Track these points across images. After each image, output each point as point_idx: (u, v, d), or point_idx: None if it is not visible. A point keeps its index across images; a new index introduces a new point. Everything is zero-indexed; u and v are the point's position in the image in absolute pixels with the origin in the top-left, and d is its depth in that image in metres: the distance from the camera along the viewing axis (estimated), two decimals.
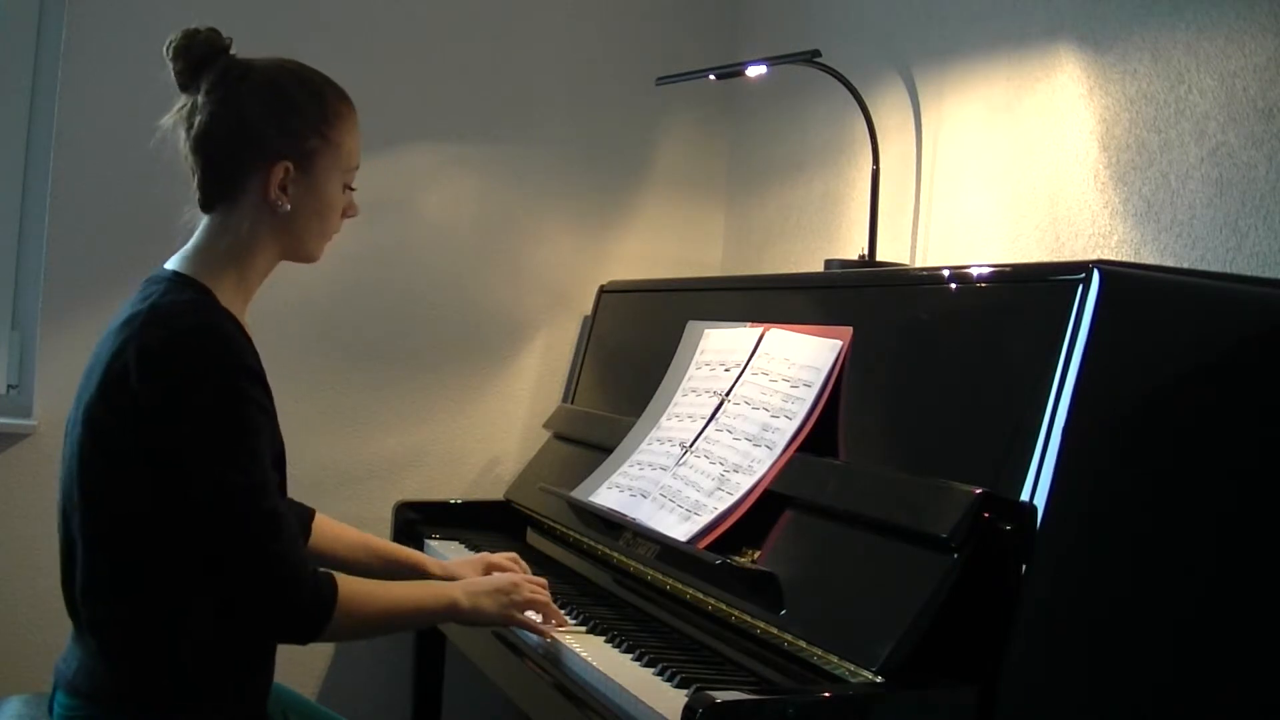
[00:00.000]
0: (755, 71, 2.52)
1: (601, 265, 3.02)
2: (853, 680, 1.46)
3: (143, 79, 2.58)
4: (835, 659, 1.49)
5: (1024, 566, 1.41)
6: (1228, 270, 1.78)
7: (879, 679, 1.41)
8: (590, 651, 1.75)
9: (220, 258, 1.62)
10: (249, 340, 1.58)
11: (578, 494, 2.19)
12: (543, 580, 1.88)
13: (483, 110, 2.91)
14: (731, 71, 2.56)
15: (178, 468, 1.49)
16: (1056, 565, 1.43)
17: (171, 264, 1.63)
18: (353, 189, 1.70)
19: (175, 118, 1.64)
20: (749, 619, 1.67)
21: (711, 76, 2.59)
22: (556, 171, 2.98)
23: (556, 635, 1.82)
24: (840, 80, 2.41)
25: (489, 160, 2.93)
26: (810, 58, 2.37)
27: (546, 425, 2.74)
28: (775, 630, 1.61)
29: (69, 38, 2.55)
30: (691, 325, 2.27)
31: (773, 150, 2.96)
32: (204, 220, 1.65)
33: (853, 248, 2.59)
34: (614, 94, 3.02)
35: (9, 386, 2.61)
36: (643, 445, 2.16)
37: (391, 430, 2.85)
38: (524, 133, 2.95)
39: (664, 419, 2.16)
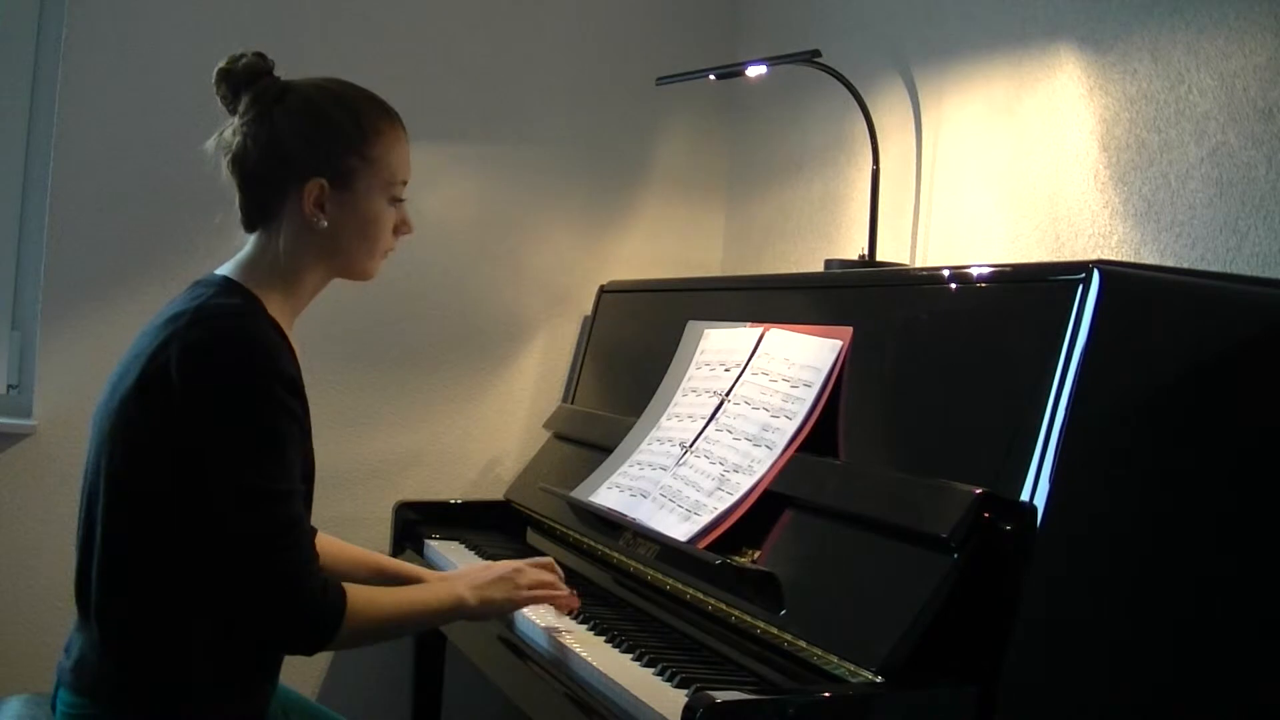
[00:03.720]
0: (755, 71, 2.52)
1: (601, 265, 3.01)
2: (853, 680, 1.46)
3: (143, 79, 2.60)
4: (835, 659, 1.49)
5: (1024, 566, 1.41)
6: (1228, 270, 1.78)
7: (879, 679, 1.41)
8: (590, 651, 1.75)
9: (267, 273, 1.64)
10: (292, 351, 1.59)
11: (578, 494, 2.19)
12: (548, 560, 1.88)
13: (483, 110, 2.91)
14: (731, 71, 2.56)
15: (205, 467, 1.50)
16: (1056, 565, 1.43)
17: (223, 270, 1.66)
18: (401, 199, 1.70)
19: (218, 140, 1.65)
20: (749, 619, 1.66)
21: (711, 76, 2.59)
22: (556, 171, 2.98)
23: (563, 631, 1.81)
24: (840, 80, 2.41)
25: (489, 160, 2.92)
26: (810, 58, 2.37)
27: (546, 425, 2.74)
28: (775, 630, 1.61)
29: (69, 38, 2.55)
30: (691, 325, 2.27)
31: (773, 150, 2.96)
32: (252, 235, 1.67)
33: (853, 248, 2.59)
34: (614, 94, 3.02)
35: (9, 386, 2.61)
36: (643, 445, 2.16)
37: (391, 430, 2.85)
38: (524, 133, 2.95)
39: (664, 419, 2.16)
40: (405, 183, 1.70)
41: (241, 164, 1.62)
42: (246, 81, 1.63)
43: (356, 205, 1.65)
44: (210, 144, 1.66)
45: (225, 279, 1.63)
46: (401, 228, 1.72)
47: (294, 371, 1.57)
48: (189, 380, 1.50)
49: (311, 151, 1.62)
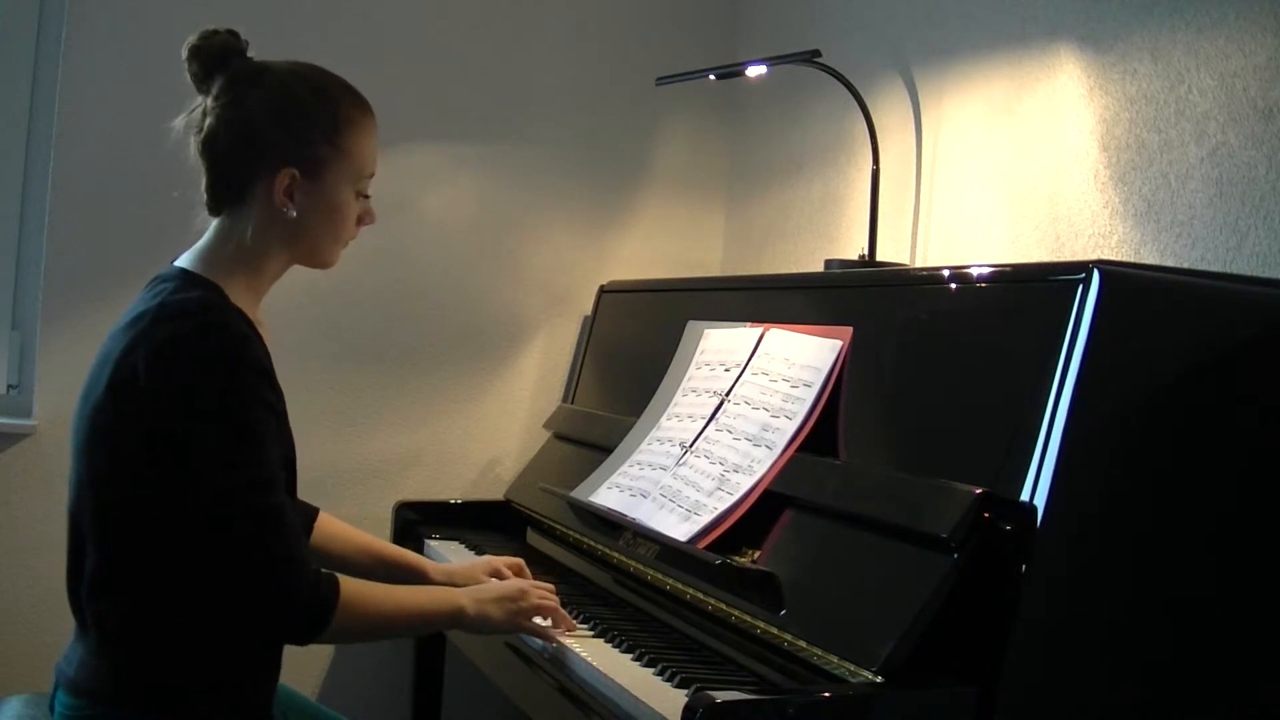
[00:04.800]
0: (755, 71, 2.52)
1: (601, 265, 3.02)
2: (853, 680, 1.46)
3: (143, 78, 2.60)
4: (835, 659, 1.49)
5: (1024, 566, 1.41)
6: (1228, 270, 1.78)
7: (879, 679, 1.41)
8: (590, 652, 1.75)
9: (228, 259, 1.62)
10: (259, 337, 1.57)
11: (578, 494, 2.19)
12: (550, 585, 1.88)
13: (483, 110, 2.91)
14: (731, 71, 2.56)
15: (184, 465, 1.49)
16: (1056, 565, 1.43)
17: (181, 261, 1.63)
18: (366, 196, 1.68)
19: (186, 119, 1.63)
20: (749, 619, 1.66)
21: (711, 76, 2.59)
22: (556, 171, 2.98)
23: (562, 639, 1.81)
24: (840, 80, 2.41)
25: (489, 160, 2.93)
26: (810, 58, 2.37)
27: (546, 425, 2.74)
28: (775, 630, 1.61)
29: (69, 37, 2.55)
30: (691, 325, 2.27)
31: (773, 150, 2.96)
32: (214, 220, 1.65)
33: (853, 248, 2.59)
34: (614, 94, 3.02)
35: (9, 386, 2.61)
36: (643, 445, 2.15)
37: (391, 430, 2.85)
38: (524, 133, 2.95)
39: (664, 419, 2.16)
40: (372, 175, 1.68)
41: (212, 146, 1.60)
42: (221, 61, 1.60)
43: (325, 196, 1.62)
44: (179, 123, 1.63)
45: (184, 271, 1.60)
46: (365, 218, 1.69)
47: (263, 358, 1.55)
48: (159, 381, 1.49)
49: (286, 138, 1.59)
